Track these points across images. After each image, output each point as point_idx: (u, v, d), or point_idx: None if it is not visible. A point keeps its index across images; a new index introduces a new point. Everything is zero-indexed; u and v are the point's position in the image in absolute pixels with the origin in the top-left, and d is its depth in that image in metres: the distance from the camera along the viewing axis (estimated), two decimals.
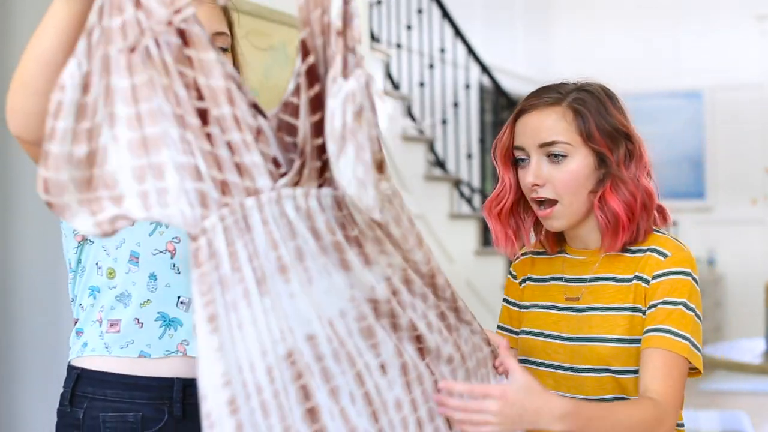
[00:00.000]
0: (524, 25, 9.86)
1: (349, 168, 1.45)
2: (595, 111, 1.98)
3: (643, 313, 1.95)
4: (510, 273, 2.22)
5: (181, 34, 1.42)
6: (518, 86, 8.93)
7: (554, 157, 1.96)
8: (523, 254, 2.19)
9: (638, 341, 1.94)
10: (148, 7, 1.41)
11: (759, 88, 9.60)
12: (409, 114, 6.58)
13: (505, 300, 2.20)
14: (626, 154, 2.00)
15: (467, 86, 7.32)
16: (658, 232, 2.06)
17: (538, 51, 9.98)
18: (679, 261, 1.97)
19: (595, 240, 2.04)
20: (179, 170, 1.40)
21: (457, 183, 6.81)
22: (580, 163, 1.96)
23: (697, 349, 1.93)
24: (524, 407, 1.68)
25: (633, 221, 1.98)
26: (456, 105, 7.24)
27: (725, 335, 9.19)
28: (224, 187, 1.45)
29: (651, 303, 1.94)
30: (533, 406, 1.68)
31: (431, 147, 6.67)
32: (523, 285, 2.17)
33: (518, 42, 9.75)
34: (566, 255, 2.10)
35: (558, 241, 2.12)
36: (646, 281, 1.96)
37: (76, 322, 1.98)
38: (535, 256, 2.16)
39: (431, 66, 7.17)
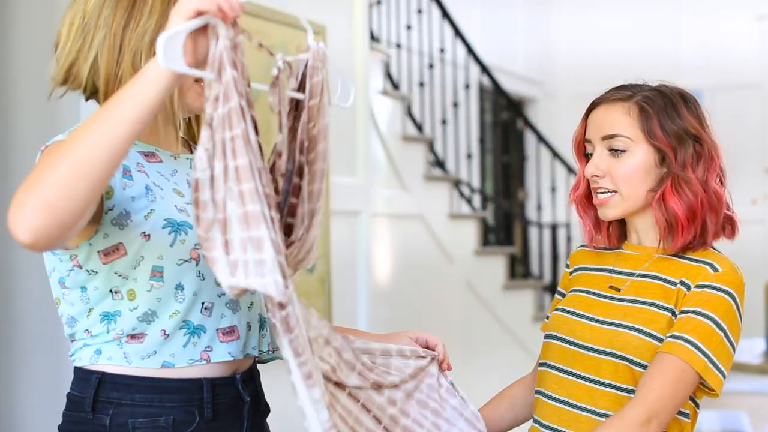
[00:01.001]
0: (524, 25, 9.85)
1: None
2: (661, 110, 2.01)
3: (675, 315, 1.95)
4: (565, 265, 2.26)
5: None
6: (518, 86, 8.93)
7: (615, 151, 2.01)
8: (581, 246, 2.24)
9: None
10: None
11: (759, 88, 9.60)
12: (409, 114, 6.58)
13: (557, 292, 2.24)
14: (694, 155, 2.01)
15: (467, 86, 7.32)
16: (716, 250, 2.04)
17: (538, 51, 9.98)
18: (729, 280, 1.96)
19: (651, 238, 2.06)
20: (273, 244, 1.54)
21: (456, 183, 6.81)
22: (640, 158, 2.00)
23: (718, 369, 1.91)
24: None
25: (694, 222, 1.98)
26: (456, 105, 7.24)
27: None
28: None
29: (683, 309, 1.94)
30: None
31: (431, 147, 6.67)
32: (573, 274, 2.20)
33: (518, 42, 9.74)
34: (622, 250, 2.11)
35: (619, 237, 2.14)
36: (688, 287, 1.96)
37: (72, 339, 1.91)
38: (591, 250, 2.18)
39: (431, 66, 7.17)
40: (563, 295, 2.19)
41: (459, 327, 6.26)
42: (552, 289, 7.67)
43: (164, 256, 1.85)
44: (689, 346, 1.89)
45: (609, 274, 2.09)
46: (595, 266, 2.14)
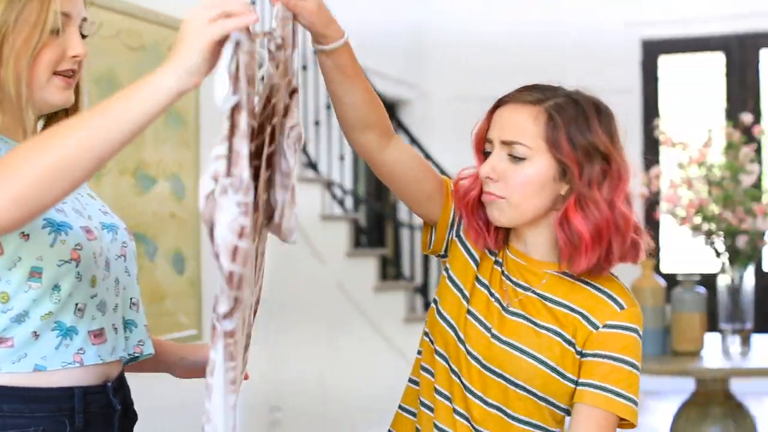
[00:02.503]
0: (399, 28, 9.89)
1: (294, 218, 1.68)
2: (572, 121, 1.88)
3: (579, 353, 1.91)
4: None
5: None
6: (392, 89, 8.97)
7: (514, 157, 1.88)
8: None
9: (565, 376, 1.91)
10: None
11: (625, 93, 9.79)
12: None
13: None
14: (600, 173, 1.90)
15: None
16: (613, 275, 2.01)
17: (414, 53, 10.02)
18: (633, 317, 1.94)
19: (541, 253, 1.97)
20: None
21: (329, 184, 6.81)
22: (539, 169, 1.88)
23: (637, 405, 1.92)
24: None
25: (600, 243, 1.89)
26: (329, 107, 7.23)
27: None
28: None
29: (597, 353, 1.90)
30: None
31: (304, 148, 6.65)
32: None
33: (393, 45, 9.78)
34: (509, 254, 2.01)
35: (504, 241, 2.02)
36: (594, 326, 1.91)
37: None
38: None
39: (305, 67, 7.16)
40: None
41: (330, 328, 6.26)
42: (423, 290, 7.72)
43: (44, 256, 1.80)
44: (616, 397, 1.89)
45: (504, 279, 2.00)
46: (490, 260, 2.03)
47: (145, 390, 1.96)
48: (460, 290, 2.01)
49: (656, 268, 8.59)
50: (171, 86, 1.54)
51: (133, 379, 2.13)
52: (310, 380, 5.93)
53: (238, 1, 1.55)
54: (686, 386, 5.83)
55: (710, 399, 5.07)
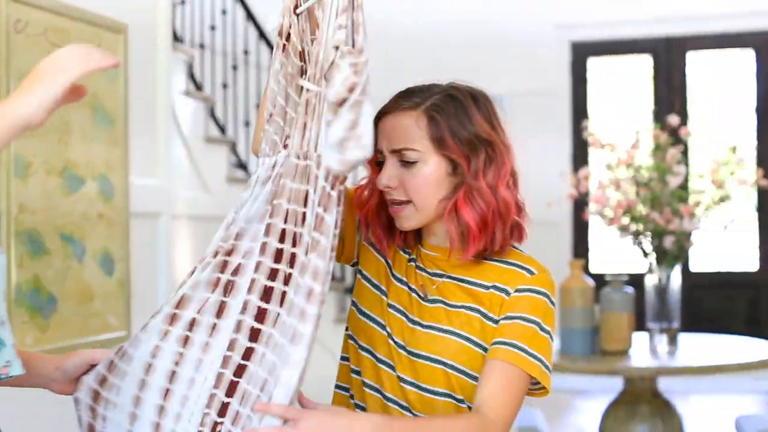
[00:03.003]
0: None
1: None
2: (452, 117, 1.94)
3: (496, 323, 1.96)
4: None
5: None
6: None
7: (406, 163, 1.93)
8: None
9: (486, 349, 1.95)
10: None
11: (555, 95, 9.88)
12: (212, 115, 6.52)
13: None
14: (486, 160, 1.96)
15: None
16: (518, 249, 2.05)
17: None
18: (544, 282, 1.98)
19: (448, 241, 2.02)
20: None
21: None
22: (432, 168, 1.93)
23: (548, 369, 1.94)
24: (334, 424, 1.70)
25: (486, 232, 1.95)
26: (234, 68, 7.20)
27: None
28: None
29: (508, 315, 1.94)
30: (342, 421, 1.72)
31: (234, 149, 6.63)
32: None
33: None
34: (422, 248, 2.06)
35: (416, 239, 2.07)
36: (506, 292, 1.96)
37: None
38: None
39: (235, 67, 7.13)
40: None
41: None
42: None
43: None
44: (522, 353, 1.91)
45: (418, 271, 2.04)
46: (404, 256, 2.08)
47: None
48: (377, 287, 2.07)
49: (585, 269, 8.67)
50: (23, 116, 1.53)
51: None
52: None
53: (104, 52, 1.59)
54: (614, 385, 5.89)
55: (638, 398, 5.12)
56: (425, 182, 1.94)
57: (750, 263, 9.62)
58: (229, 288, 1.84)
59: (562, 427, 7.49)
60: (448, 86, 2.01)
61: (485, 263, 2.00)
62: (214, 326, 1.82)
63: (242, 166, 6.79)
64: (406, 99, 1.98)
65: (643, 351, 5.15)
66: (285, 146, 1.90)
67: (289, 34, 1.89)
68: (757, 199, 9.11)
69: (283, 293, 1.78)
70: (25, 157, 3.31)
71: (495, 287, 1.98)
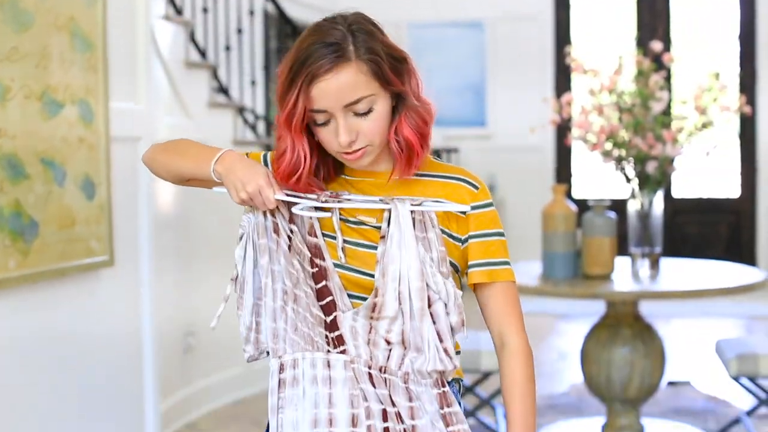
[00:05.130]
0: None
1: None
2: (380, 53, 1.94)
3: (453, 238, 2.03)
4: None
5: None
6: (302, 13, 8.88)
7: (358, 113, 1.94)
8: None
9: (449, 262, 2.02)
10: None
11: (536, 20, 9.83)
12: (192, 40, 6.46)
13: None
14: (407, 77, 2.00)
15: (251, 12, 7.24)
16: (436, 159, 2.10)
17: None
18: (486, 193, 2.07)
19: (383, 166, 2.05)
20: None
21: (240, 110, 6.74)
22: (381, 107, 1.95)
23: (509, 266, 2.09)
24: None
25: (426, 145, 2.01)
26: (240, 31, 7.15)
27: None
28: None
29: (474, 234, 2.04)
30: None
31: (215, 73, 6.57)
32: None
33: None
34: (347, 177, 2.08)
35: (336, 171, 2.09)
36: (462, 211, 2.02)
37: None
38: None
39: None
40: None
41: None
42: None
43: None
44: (503, 267, 2.06)
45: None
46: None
47: None
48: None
49: (567, 194, 8.69)
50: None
51: None
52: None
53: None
54: (596, 309, 5.93)
55: (620, 321, 5.16)
56: (380, 122, 1.96)
57: (732, 190, 9.65)
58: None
59: (544, 350, 7.55)
60: (353, 23, 1.98)
61: (422, 180, 2.05)
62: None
63: (223, 90, 6.74)
64: (331, 55, 1.93)
65: (625, 275, 5.17)
66: None
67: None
68: (739, 125, 9.12)
69: None
70: (3, 81, 3.28)
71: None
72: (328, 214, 2.00)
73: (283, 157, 2.00)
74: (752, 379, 5.08)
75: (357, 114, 1.94)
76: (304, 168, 2.00)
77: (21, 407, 3.34)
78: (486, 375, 5.27)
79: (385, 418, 1.98)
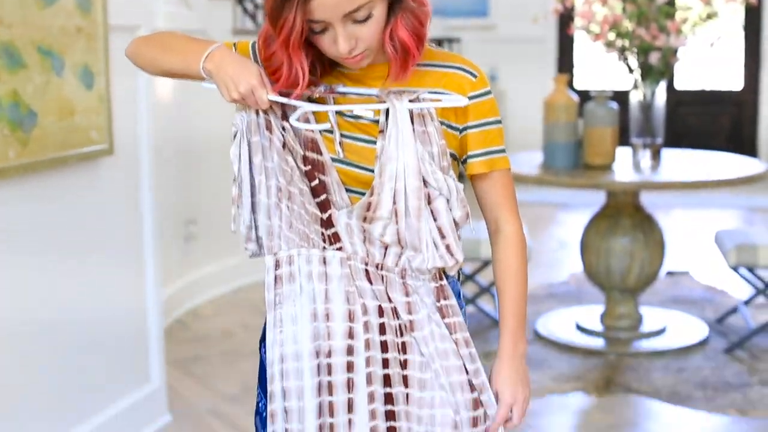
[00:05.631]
0: None
1: None
2: None
3: (452, 128, 2.01)
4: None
5: None
6: None
7: (358, 21, 1.89)
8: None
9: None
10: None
11: None
12: None
13: None
14: None
15: None
16: (437, 48, 2.07)
17: None
18: (485, 81, 2.04)
19: (378, 56, 2.00)
20: None
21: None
22: (379, 12, 1.91)
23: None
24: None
25: (421, 46, 1.96)
26: None
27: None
28: None
29: (472, 124, 2.02)
30: (516, 367, 2.06)
31: None
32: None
33: None
34: (342, 69, 2.03)
35: (331, 63, 2.04)
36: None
37: None
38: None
39: None
40: None
41: None
42: None
43: None
44: (500, 155, 2.05)
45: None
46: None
47: None
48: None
49: (570, 84, 8.64)
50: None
51: None
52: (225, 194, 5.93)
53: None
54: (597, 199, 5.94)
55: (620, 211, 5.17)
56: (377, 27, 1.91)
57: (735, 82, 9.58)
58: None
59: (545, 239, 7.59)
60: None
61: (417, 70, 2.01)
62: (350, 421, 2.01)
63: None
64: None
65: (626, 166, 5.17)
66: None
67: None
68: (744, 16, 9.02)
69: None
70: None
71: (444, 94, 2.00)
72: (325, 125, 1.98)
73: (279, 72, 1.97)
74: (750, 269, 5.12)
75: (356, 21, 1.90)
76: (302, 83, 1.96)
77: (20, 291, 3.37)
78: (486, 263, 5.31)
79: (380, 314, 1.99)
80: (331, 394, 2.00)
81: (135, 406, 4.00)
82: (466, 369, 2.00)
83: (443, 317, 2.00)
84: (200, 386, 4.67)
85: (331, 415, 2.00)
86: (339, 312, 1.99)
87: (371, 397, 1.99)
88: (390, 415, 2.00)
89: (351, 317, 1.99)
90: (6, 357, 3.32)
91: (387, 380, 2.00)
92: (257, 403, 2.14)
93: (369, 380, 1.98)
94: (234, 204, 2.04)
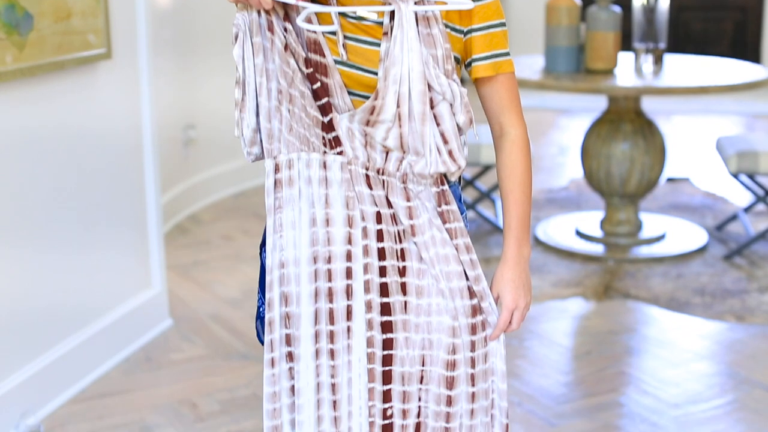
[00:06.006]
0: None
1: None
2: None
3: (456, 30, 1.98)
4: None
5: None
6: None
7: None
8: None
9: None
10: None
11: None
12: None
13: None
14: None
15: None
16: None
17: None
18: None
19: None
20: None
21: None
22: None
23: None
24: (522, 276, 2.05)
25: None
26: None
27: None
28: None
29: (477, 27, 1.99)
30: (522, 266, 2.05)
31: None
32: None
33: None
34: None
35: None
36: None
37: None
38: None
39: None
40: None
41: None
42: None
43: None
44: (504, 58, 2.02)
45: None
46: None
47: None
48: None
49: None
50: None
51: None
52: (224, 99, 5.90)
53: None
54: (598, 104, 5.92)
55: (621, 116, 5.15)
56: None
57: None
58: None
59: (545, 144, 7.57)
60: None
61: None
62: (348, 329, 2.01)
63: None
64: None
65: (628, 71, 5.13)
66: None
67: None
68: None
69: None
70: None
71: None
72: (329, 27, 1.94)
73: None
74: (751, 176, 5.11)
75: None
76: None
77: (20, 200, 3.36)
78: (486, 168, 5.30)
79: (378, 221, 1.98)
80: (331, 301, 2.00)
81: (136, 312, 4.02)
82: (466, 275, 2.00)
83: (444, 223, 2.00)
84: (201, 291, 4.69)
85: (331, 322, 2.01)
86: (339, 217, 1.98)
87: (368, 306, 1.99)
88: (387, 327, 2.00)
89: (350, 223, 1.98)
90: (7, 261, 3.33)
91: (384, 289, 1.99)
92: (258, 308, 2.14)
93: (367, 288, 1.98)
94: (237, 108, 2.01)
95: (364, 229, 1.97)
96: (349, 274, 1.99)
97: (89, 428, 3.44)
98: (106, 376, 3.81)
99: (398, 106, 1.90)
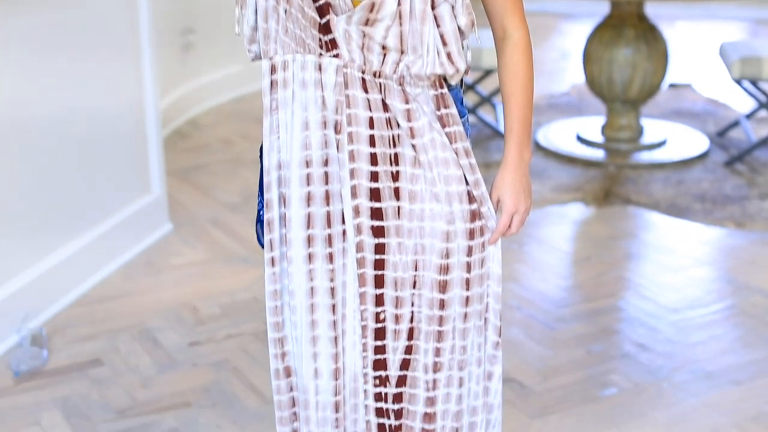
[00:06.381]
0: None
1: None
2: None
3: None
4: None
5: None
6: None
7: None
8: None
9: None
10: None
11: None
12: None
13: None
14: None
15: None
16: None
17: None
18: None
19: None
20: None
21: None
22: None
23: None
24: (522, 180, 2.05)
25: None
26: None
27: None
28: None
29: None
30: (523, 170, 2.05)
31: None
32: None
33: None
34: None
35: None
36: None
37: None
38: None
39: None
40: None
41: None
42: None
43: None
44: None
45: None
46: None
47: None
48: None
49: None
50: None
51: None
52: (223, 2, 5.85)
53: None
54: (600, 9, 5.86)
55: (624, 21, 5.10)
56: None
57: None
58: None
59: (546, 49, 7.52)
60: None
61: None
62: (343, 233, 2.01)
63: None
64: None
65: None
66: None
67: None
68: None
69: None
70: None
71: None
72: None
73: None
74: (754, 83, 5.08)
75: None
76: None
77: (17, 107, 3.35)
78: (487, 72, 5.27)
79: (371, 126, 1.96)
80: (327, 204, 1.99)
81: (136, 216, 4.03)
82: (465, 179, 1.99)
83: (443, 126, 1.98)
84: (201, 195, 4.69)
85: (328, 225, 2.00)
86: (330, 120, 1.96)
87: (356, 211, 1.97)
88: (379, 232, 1.99)
89: (338, 129, 1.96)
90: (7, 166, 3.32)
91: (377, 194, 1.98)
92: (258, 211, 2.13)
93: (354, 193, 1.97)
94: (237, 4, 1.99)
95: (350, 134, 1.95)
96: (337, 179, 1.98)
97: (90, 332, 3.46)
98: (107, 280, 3.83)
99: (399, 5, 1.87)
